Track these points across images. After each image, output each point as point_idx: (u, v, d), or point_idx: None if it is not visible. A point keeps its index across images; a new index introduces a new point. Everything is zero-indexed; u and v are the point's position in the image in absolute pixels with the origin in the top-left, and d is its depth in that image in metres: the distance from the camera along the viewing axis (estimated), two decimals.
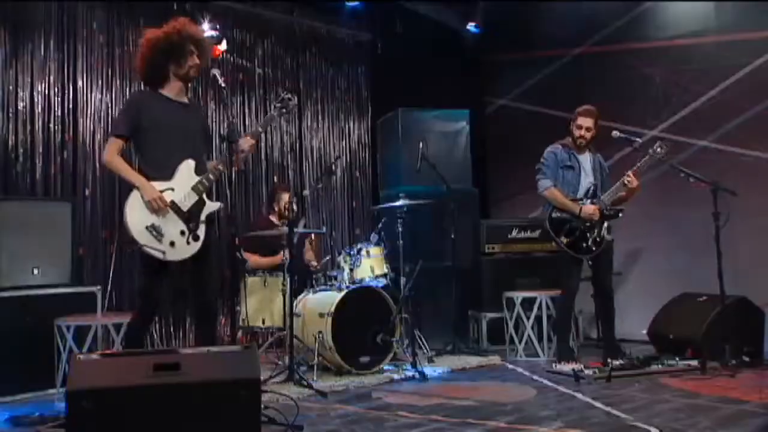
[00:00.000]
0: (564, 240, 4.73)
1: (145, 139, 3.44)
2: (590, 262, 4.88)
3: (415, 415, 3.51)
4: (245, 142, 3.60)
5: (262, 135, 6.39)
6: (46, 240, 4.43)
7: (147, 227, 3.29)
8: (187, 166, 3.44)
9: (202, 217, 3.43)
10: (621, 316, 4.97)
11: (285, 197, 5.42)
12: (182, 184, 3.42)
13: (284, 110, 3.76)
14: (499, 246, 5.94)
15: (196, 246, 3.38)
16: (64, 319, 4.12)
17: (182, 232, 3.37)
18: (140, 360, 2.55)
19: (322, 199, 6.71)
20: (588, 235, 4.74)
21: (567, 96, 6.22)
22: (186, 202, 3.40)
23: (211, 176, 3.48)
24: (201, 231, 3.41)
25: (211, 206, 3.50)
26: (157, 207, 3.29)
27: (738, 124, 5.50)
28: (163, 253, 3.29)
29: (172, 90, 3.53)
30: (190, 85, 3.65)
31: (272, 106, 3.82)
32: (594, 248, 4.74)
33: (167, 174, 3.41)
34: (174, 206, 3.36)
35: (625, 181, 4.68)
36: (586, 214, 4.71)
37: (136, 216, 3.29)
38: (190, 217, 3.39)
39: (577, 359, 4.76)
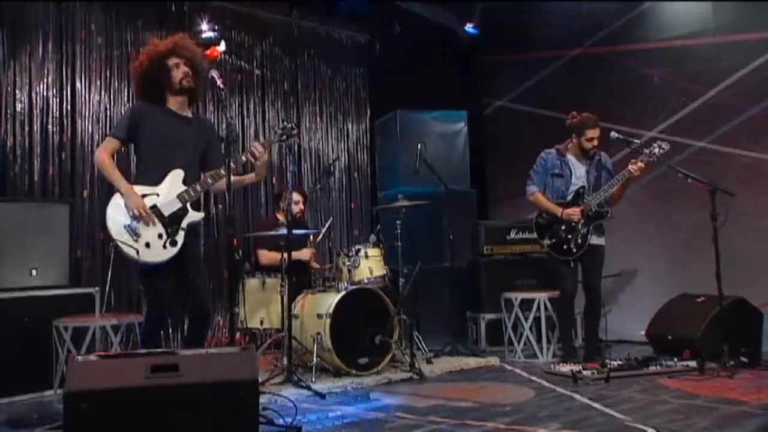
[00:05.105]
0: (547, 242, 4.82)
1: (142, 146, 3.53)
2: (578, 264, 4.86)
3: (414, 417, 3.51)
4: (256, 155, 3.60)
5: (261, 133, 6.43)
6: (44, 241, 4.43)
7: (125, 226, 3.34)
8: (176, 175, 3.49)
9: (183, 224, 3.46)
10: (620, 316, 4.96)
11: (294, 196, 5.39)
12: (168, 190, 3.47)
13: (284, 137, 3.75)
14: (498, 247, 5.94)
15: (172, 251, 3.39)
16: (62, 320, 4.12)
17: (159, 236, 3.40)
18: (138, 361, 2.55)
19: (320, 200, 6.71)
20: (570, 237, 4.77)
21: (565, 97, 6.23)
22: (168, 208, 3.44)
23: (198, 187, 3.51)
24: (179, 237, 3.43)
25: (194, 216, 3.51)
26: (138, 215, 3.33)
27: (736, 125, 5.50)
28: (137, 251, 3.32)
29: (173, 104, 3.59)
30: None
31: (273, 132, 3.83)
32: (575, 250, 4.76)
33: (156, 180, 3.47)
34: (155, 209, 3.41)
35: (631, 169, 4.61)
36: (566, 215, 4.75)
37: (116, 214, 3.36)
38: (169, 222, 3.42)
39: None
